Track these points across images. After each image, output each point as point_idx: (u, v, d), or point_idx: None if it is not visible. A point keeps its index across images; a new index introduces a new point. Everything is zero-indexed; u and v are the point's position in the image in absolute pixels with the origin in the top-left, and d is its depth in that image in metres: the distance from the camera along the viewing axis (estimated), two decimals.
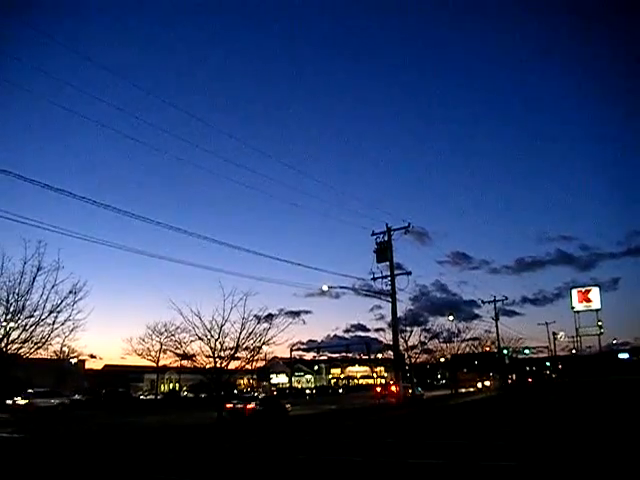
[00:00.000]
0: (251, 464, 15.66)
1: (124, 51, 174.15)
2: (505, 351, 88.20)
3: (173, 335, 46.00)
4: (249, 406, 36.86)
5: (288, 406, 40.69)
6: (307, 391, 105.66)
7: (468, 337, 75.84)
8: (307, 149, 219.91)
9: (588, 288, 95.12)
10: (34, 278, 23.30)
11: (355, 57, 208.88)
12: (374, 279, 42.84)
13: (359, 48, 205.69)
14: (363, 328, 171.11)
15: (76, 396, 65.31)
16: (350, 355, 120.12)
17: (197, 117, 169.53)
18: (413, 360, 60.54)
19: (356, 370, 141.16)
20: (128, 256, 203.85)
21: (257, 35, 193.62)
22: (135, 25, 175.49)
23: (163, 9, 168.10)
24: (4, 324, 22.61)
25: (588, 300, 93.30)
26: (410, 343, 58.62)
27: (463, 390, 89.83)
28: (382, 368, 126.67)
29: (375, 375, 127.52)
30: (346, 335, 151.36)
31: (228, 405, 37.50)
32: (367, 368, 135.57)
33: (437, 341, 67.76)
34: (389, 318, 45.94)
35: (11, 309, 22.69)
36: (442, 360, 77.39)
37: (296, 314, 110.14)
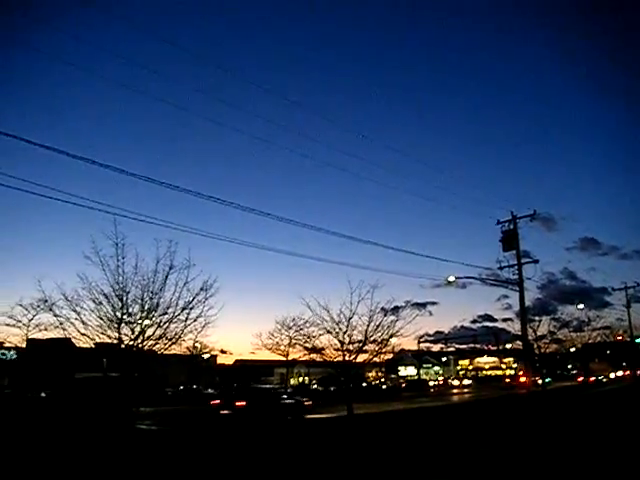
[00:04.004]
0: None
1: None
2: (638, 340, 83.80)
3: (302, 329, 46.58)
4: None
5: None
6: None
7: (599, 326, 72.46)
8: (430, 140, 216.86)
9: None
10: (166, 276, 24.36)
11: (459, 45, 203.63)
12: (501, 268, 41.81)
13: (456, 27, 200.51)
14: (490, 318, 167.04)
15: (209, 390, 67.87)
16: (478, 346, 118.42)
17: (326, 118, 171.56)
18: (542, 350, 58.60)
19: (484, 361, 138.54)
20: (256, 253, 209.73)
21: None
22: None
23: None
24: (140, 321, 23.84)
25: None
26: (539, 333, 56.73)
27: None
28: (511, 359, 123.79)
29: (504, 366, 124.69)
30: (473, 326, 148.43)
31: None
32: (495, 359, 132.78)
33: (567, 330, 65.27)
34: (516, 308, 44.79)
35: (146, 307, 23.87)
36: (572, 350, 74.45)
37: (422, 305, 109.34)
